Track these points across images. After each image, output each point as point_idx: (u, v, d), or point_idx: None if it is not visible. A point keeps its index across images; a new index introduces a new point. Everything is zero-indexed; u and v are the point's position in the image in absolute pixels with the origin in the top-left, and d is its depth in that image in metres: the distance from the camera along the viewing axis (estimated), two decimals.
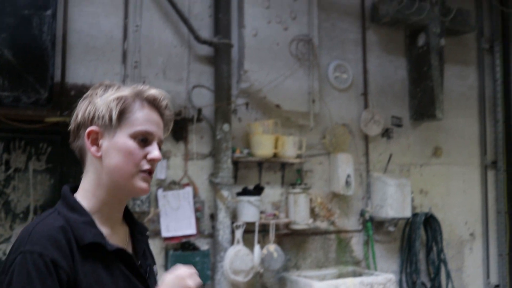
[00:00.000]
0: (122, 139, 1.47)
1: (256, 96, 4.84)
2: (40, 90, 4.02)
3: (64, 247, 1.36)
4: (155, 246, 4.43)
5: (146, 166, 1.48)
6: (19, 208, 4.48)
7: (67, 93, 4.24)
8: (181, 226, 4.46)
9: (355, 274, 5.12)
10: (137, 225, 1.64)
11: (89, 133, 1.49)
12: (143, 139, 1.48)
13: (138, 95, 1.51)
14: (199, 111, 4.58)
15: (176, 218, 4.46)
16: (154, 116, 1.51)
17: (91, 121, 1.49)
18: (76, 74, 4.31)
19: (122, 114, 1.48)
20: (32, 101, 4.03)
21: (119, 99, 1.48)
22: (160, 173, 4.47)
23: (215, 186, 4.59)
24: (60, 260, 1.33)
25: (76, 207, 1.46)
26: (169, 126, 1.60)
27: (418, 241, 5.49)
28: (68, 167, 4.59)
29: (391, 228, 5.43)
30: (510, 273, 6.12)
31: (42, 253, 1.32)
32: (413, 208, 5.56)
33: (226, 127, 4.56)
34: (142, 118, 1.49)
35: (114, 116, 1.46)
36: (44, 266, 1.31)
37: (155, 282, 1.59)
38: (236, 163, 4.72)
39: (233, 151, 4.64)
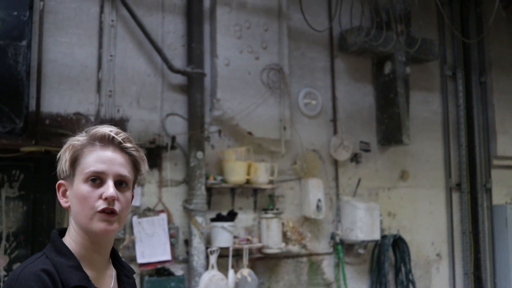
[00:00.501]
0: (77, 186, 1.50)
1: (228, 124, 4.95)
2: (15, 120, 4.04)
3: None
4: None
5: (102, 206, 1.47)
6: None
7: (42, 122, 4.28)
8: (156, 252, 4.52)
9: None
10: (124, 268, 1.66)
11: (58, 186, 1.55)
12: (94, 180, 1.49)
13: (89, 138, 1.53)
14: (173, 138, 4.66)
15: (151, 245, 4.51)
16: (107, 154, 1.51)
17: (60, 175, 1.55)
18: (51, 104, 4.35)
19: (74, 162, 1.51)
20: (7, 131, 4.05)
21: (69, 148, 1.52)
22: (135, 200, 4.52)
23: (189, 213, 4.66)
24: None
25: (63, 251, 1.50)
26: (141, 158, 1.59)
27: (387, 262, 5.64)
28: (41, 194, 4.61)
29: (361, 251, 5.57)
30: None
31: None
32: (382, 230, 5.71)
33: (199, 154, 4.66)
34: (91, 160, 1.49)
35: (68, 166, 1.51)
36: None
37: None
38: (209, 190, 4.80)
39: (207, 177, 4.73)
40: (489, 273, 6.48)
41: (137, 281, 4.52)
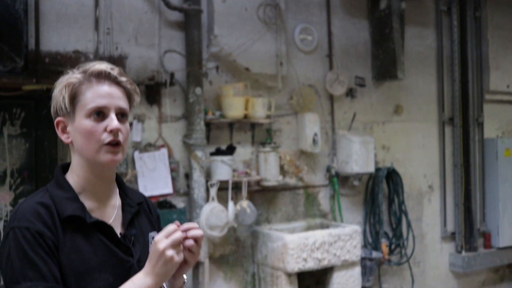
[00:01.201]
0: (80, 122, 1.57)
1: (226, 60, 5.01)
2: (15, 59, 4.10)
3: (46, 220, 1.52)
4: None
5: (107, 139, 1.57)
6: None
7: (42, 60, 4.33)
8: (157, 186, 4.67)
9: (322, 226, 5.44)
10: (127, 197, 1.75)
11: (57, 124, 1.64)
12: (98, 114, 1.57)
13: (85, 75, 1.59)
14: (172, 75, 4.74)
15: (153, 179, 4.66)
16: (105, 88, 1.58)
17: (56, 112, 1.63)
18: (50, 42, 4.39)
19: (74, 98, 1.58)
20: (8, 70, 4.11)
21: (67, 86, 1.58)
22: (136, 136, 4.65)
23: (189, 147, 4.79)
24: (44, 230, 1.49)
25: (63, 185, 1.61)
26: (135, 90, 1.68)
27: (381, 194, 5.84)
28: (42, 131, 4.71)
29: (355, 183, 5.75)
30: (465, 221, 6.51)
31: (28, 227, 1.49)
32: (376, 163, 5.87)
33: (198, 90, 4.74)
34: (91, 95, 1.57)
35: (67, 103, 1.58)
36: (32, 238, 1.47)
37: (144, 248, 1.71)
38: (208, 125, 4.92)
39: (206, 113, 4.83)
40: (478, 204, 6.71)
41: None
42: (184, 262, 1.62)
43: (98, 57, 4.48)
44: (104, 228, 1.60)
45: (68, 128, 1.62)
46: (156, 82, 4.71)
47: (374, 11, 5.91)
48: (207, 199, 4.81)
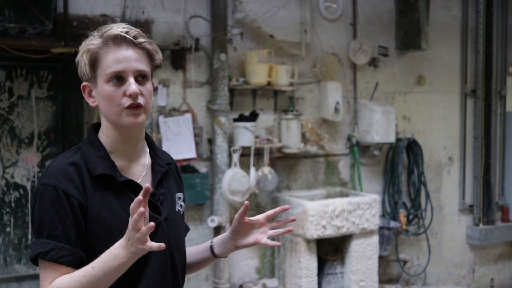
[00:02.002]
0: (101, 87, 1.61)
1: (250, 26, 5.02)
2: (45, 22, 4.14)
3: (74, 179, 1.58)
4: None
5: (127, 103, 1.60)
6: (24, 134, 4.70)
7: (70, 24, 4.38)
8: (181, 150, 4.74)
9: (342, 195, 5.50)
10: (157, 157, 1.79)
11: (83, 88, 1.69)
12: (117, 79, 1.60)
13: (103, 40, 1.60)
14: (197, 40, 4.76)
15: (177, 143, 4.73)
16: (123, 52, 1.59)
17: (82, 77, 1.67)
18: (77, 5, 4.43)
19: (94, 64, 1.61)
20: (37, 32, 4.16)
21: (86, 52, 1.61)
22: (161, 100, 4.71)
23: (212, 113, 4.84)
24: (71, 190, 1.56)
25: (95, 143, 1.67)
26: (154, 50, 1.68)
27: (400, 164, 5.86)
28: (68, 94, 4.79)
29: (376, 152, 5.78)
30: (483, 194, 6.51)
31: (56, 185, 1.56)
32: (397, 133, 5.88)
33: (223, 56, 4.77)
34: (110, 61, 1.59)
35: (88, 69, 1.62)
36: (57, 196, 1.55)
37: (172, 207, 1.76)
38: (232, 91, 4.95)
39: (229, 79, 4.86)
40: (498, 177, 6.69)
41: None
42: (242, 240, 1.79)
43: (125, 21, 4.50)
44: (133, 186, 1.65)
45: (93, 93, 1.66)
46: (181, 47, 4.74)
47: None
48: (229, 165, 4.87)
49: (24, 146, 4.70)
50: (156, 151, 1.81)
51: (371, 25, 5.79)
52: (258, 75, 4.89)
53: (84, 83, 1.68)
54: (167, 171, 1.80)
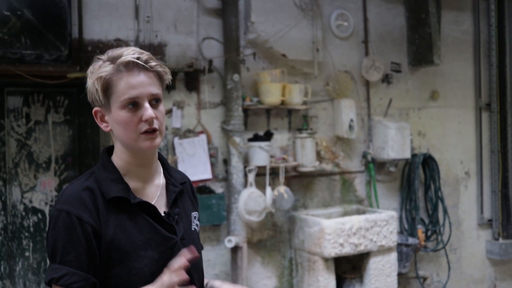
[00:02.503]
0: (116, 113, 1.62)
1: (263, 47, 5.06)
2: (60, 47, 4.20)
3: (88, 204, 1.59)
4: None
5: (144, 128, 1.62)
6: (41, 159, 4.74)
7: (85, 49, 4.45)
8: (197, 172, 4.76)
9: (358, 212, 5.47)
10: (172, 177, 1.81)
11: (95, 114, 1.69)
12: (132, 105, 1.61)
13: (115, 66, 1.61)
14: (210, 62, 4.81)
15: (193, 164, 4.75)
16: (136, 78, 1.60)
17: (93, 102, 1.67)
18: (92, 30, 4.50)
19: (107, 91, 1.61)
20: (53, 58, 4.22)
21: (99, 79, 1.61)
22: (176, 122, 4.74)
23: (227, 133, 4.86)
24: (84, 215, 1.57)
25: (108, 167, 1.68)
26: (165, 71, 1.69)
27: (417, 180, 5.82)
28: (85, 118, 4.83)
29: (391, 169, 5.75)
30: (502, 208, 6.45)
31: (69, 211, 1.57)
32: (412, 149, 5.86)
33: (236, 77, 4.80)
34: (123, 87, 1.59)
35: (101, 96, 1.62)
36: (70, 222, 1.56)
37: (188, 226, 1.78)
38: (246, 111, 4.97)
39: (243, 99, 4.89)
40: None
41: None
42: None
43: (139, 45, 4.56)
44: (148, 207, 1.66)
45: (106, 118, 1.67)
46: (195, 69, 4.79)
47: None
48: (245, 185, 4.88)
49: (41, 171, 4.74)
50: (170, 171, 1.82)
51: (383, 41, 5.81)
52: (272, 94, 4.91)
53: (96, 109, 1.69)
54: (182, 191, 1.82)
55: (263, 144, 4.87)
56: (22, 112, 4.68)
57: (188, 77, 4.79)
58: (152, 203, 1.69)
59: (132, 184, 1.68)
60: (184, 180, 1.88)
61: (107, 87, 1.61)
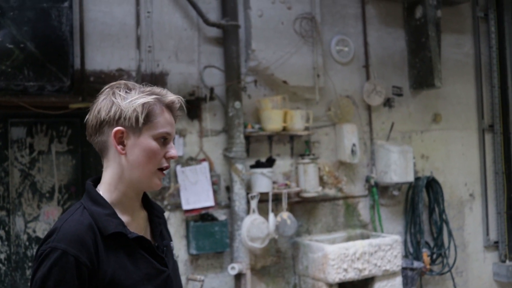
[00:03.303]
0: (147, 140, 1.63)
1: (264, 74, 5.10)
2: (63, 79, 4.25)
3: (88, 244, 1.53)
4: (176, 219, 4.75)
5: (165, 164, 1.67)
6: (45, 188, 4.77)
7: (87, 79, 4.49)
8: (199, 199, 4.77)
9: (363, 237, 5.45)
10: (154, 209, 1.81)
11: (116, 133, 1.63)
12: (164, 140, 1.66)
13: (160, 100, 1.67)
14: (211, 90, 4.84)
15: (195, 192, 4.76)
16: (171, 118, 1.69)
17: (117, 122, 1.62)
18: (94, 61, 4.55)
19: (147, 117, 1.63)
20: (56, 89, 4.27)
21: (145, 104, 1.63)
22: (178, 150, 4.76)
23: (229, 160, 4.88)
24: (82, 256, 1.51)
25: (99, 201, 1.63)
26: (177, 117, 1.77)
27: (421, 203, 5.81)
28: (88, 148, 4.86)
29: (395, 192, 5.74)
30: (508, 230, 6.42)
31: (66, 250, 1.50)
32: (416, 172, 5.85)
33: (237, 104, 4.83)
34: (163, 121, 1.65)
35: (141, 120, 1.62)
36: (66, 262, 1.49)
37: (171, 257, 1.78)
38: (248, 138, 5.00)
39: (245, 126, 4.91)
40: None
41: (183, 226, 4.79)
42: None
43: (140, 74, 4.61)
44: (142, 242, 1.65)
45: (127, 141, 1.64)
46: (196, 97, 4.82)
47: (410, 20, 5.92)
48: (248, 211, 4.87)
49: (45, 201, 4.76)
50: (151, 203, 1.83)
51: (384, 66, 5.84)
52: (273, 121, 4.94)
53: (120, 128, 1.62)
54: (165, 222, 1.86)
55: (265, 170, 4.88)
56: (25, 143, 4.71)
57: (190, 105, 4.82)
58: (143, 235, 1.69)
59: (124, 218, 1.66)
60: (163, 211, 1.88)
61: (149, 113, 1.63)
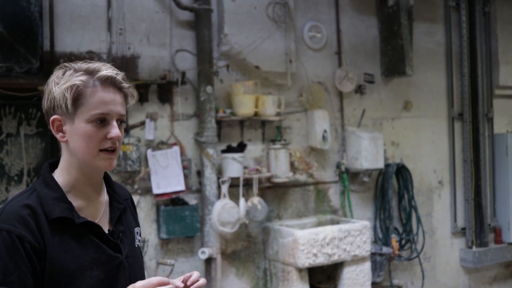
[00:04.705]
0: (81, 125, 1.57)
1: (236, 58, 5.09)
2: (31, 60, 4.19)
3: (30, 223, 1.51)
4: (146, 203, 4.74)
5: (106, 145, 1.59)
6: (13, 171, 4.70)
7: (56, 61, 4.42)
8: (170, 183, 4.76)
9: (333, 222, 5.50)
10: (115, 194, 1.77)
11: (52, 122, 1.61)
12: (101, 121, 1.58)
13: (91, 78, 1.58)
14: (183, 74, 4.82)
15: (166, 176, 4.75)
16: (109, 95, 1.59)
17: (54, 110, 1.60)
18: (64, 43, 4.49)
19: (77, 101, 1.57)
20: (24, 71, 4.21)
21: (71, 87, 1.56)
22: (149, 134, 4.74)
23: (200, 145, 4.87)
24: (26, 235, 1.49)
25: (50, 184, 1.61)
26: (132, 95, 1.68)
27: (390, 189, 5.88)
28: None
29: (365, 179, 5.80)
30: (475, 217, 6.54)
31: (10, 230, 1.48)
32: (386, 159, 5.92)
33: (209, 89, 4.82)
34: (96, 101, 1.57)
35: (69, 105, 1.56)
36: (11, 242, 1.47)
37: (131, 243, 1.74)
38: (219, 122, 4.99)
39: (216, 111, 4.91)
40: (489, 199, 6.73)
41: (153, 210, 4.78)
42: None
43: (111, 57, 4.57)
44: (92, 227, 1.62)
45: (65, 128, 1.61)
46: (168, 81, 4.80)
47: (383, 8, 5.95)
48: (218, 196, 4.89)
49: (13, 184, 4.70)
50: (114, 187, 1.80)
51: (356, 53, 5.87)
52: (245, 106, 4.94)
53: (56, 117, 1.61)
54: (125, 207, 1.80)
55: (237, 155, 4.89)
56: None
57: (161, 89, 4.80)
58: (96, 221, 1.66)
59: (76, 202, 1.63)
60: (127, 196, 1.85)
61: (78, 97, 1.56)
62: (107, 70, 1.60)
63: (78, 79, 1.57)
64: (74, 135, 1.59)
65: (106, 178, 1.79)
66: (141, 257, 1.84)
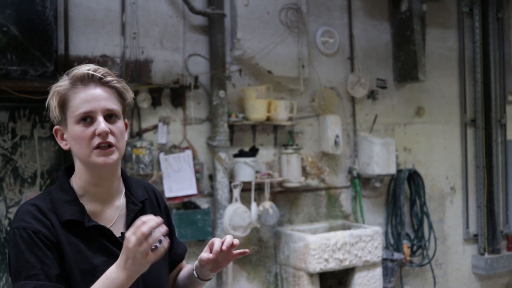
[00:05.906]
0: (71, 128, 1.59)
1: (248, 63, 5.10)
2: (46, 63, 4.23)
3: (43, 220, 1.56)
4: None
5: (96, 142, 1.58)
6: (27, 174, 4.74)
7: (71, 65, 4.45)
8: (182, 187, 4.77)
9: (344, 227, 5.49)
10: (132, 196, 1.76)
11: (55, 132, 1.67)
12: (85, 119, 1.58)
13: (71, 81, 1.60)
14: (196, 78, 4.84)
15: (178, 180, 4.76)
16: (91, 92, 1.59)
17: (54, 120, 1.66)
18: (78, 47, 4.53)
19: (63, 106, 1.60)
20: (39, 74, 4.24)
21: (55, 94, 1.61)
22: (161, 138, 4.76)
23: (213, 149, 4.89)
24: (41, 229, 1.54)
25: (64, 188, 1.65)
26: (124, 88, 1.67)
27: (402, 195, 5.86)
28: None
29: (377, 184, 5.79)
30: (487, 223, 6.49)
31: (26, 227, 1.53)
32: (398, 165, 5.90)
33: (222, 93, 4.83)
34: (78, 102, 1.58)
35: (58, 112, 1.61)
36: (29, 237, 1.52)
37: None
38: (231, 127, 5.00)
39: (229, 115, 4.92)
40: (501, 205, 6.68)
41: None
42: (217, 264, 1.75)
43: (125, 61, 4.60)
44: (103, 231, 1.63)
45: (65, 135, 1.65)
46: (180, 85, 4.82)
47: (395, 13, 5.94)
48: (230, 200, 4.89)
49: (27, 186, 4.73)
50: (130, 189, 1.78)
51: (369, 58, 5.87)
52: (257, 110, 4.95)
53: (56, 127, 1.67)
54: (143, 208, 1.78)
55: (249, 160, 4.89)
56: (7, 127, 4.68)
57: (174, 93, 4.82)
58: (110, 226, 1.66)
59: (91, 206, 1.65)
60: (145, 197, 1.82)
61: (63, 102, 1.60)
62: (84, 68, 1.61)
63: (59, 85, 1.61)
64: (70, 140, 1.63)
65: (125, 180, 1.78)
66: (162, 258, 1.77)
